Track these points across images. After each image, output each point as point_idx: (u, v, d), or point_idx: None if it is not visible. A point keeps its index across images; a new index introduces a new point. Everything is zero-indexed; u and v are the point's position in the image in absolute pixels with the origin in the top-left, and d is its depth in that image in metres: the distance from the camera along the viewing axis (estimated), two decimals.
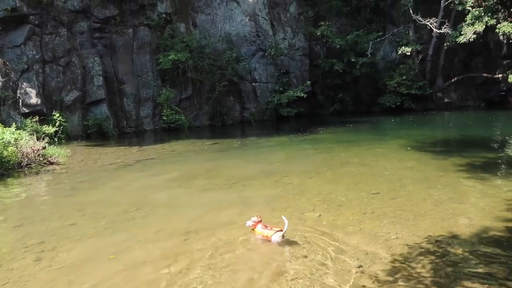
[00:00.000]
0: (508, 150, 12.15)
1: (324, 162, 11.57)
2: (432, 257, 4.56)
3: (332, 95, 31.88)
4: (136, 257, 5.03)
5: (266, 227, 5.52)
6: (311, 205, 6.96)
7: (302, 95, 28.31)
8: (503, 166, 9.74)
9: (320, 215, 6.37)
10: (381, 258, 4.62)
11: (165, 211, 7.16)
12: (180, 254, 5.07)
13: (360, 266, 4.45)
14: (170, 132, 23.78)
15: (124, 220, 6.76)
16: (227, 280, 4.30)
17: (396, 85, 28.42)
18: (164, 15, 25.49)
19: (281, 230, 5.33)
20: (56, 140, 20.30)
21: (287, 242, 5.30)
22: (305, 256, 4.80)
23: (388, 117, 25.32)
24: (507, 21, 23.94)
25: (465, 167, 9.40)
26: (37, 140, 13.98)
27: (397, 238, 5.23)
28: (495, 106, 26.93)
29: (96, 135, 22.38)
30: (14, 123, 15.54)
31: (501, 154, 11.21)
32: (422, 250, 4.78)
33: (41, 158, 12.83)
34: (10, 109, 20.53)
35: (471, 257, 4.52)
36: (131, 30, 24.68)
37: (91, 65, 23.23)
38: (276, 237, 5.30)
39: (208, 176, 10.23)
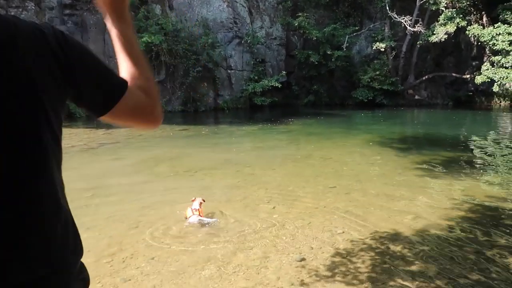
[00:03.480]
0: (467, 150, 12.56)
1: (289, 154, 11.66)
2: (373, 253, 4.69)
3: (307, 86, 32.08)
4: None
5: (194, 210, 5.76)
6: (267, 197, 7.02)
7: (276, 85, 28.31)
8: (459, 165, 10.06)
9: (274, 207, 6.44)
10: (323, 253, 4.72)
11: (120, 198, 7.07)
12: (127, 243, 5.04)
13: (302, 260, 4.53)
14: None
15: (75, 207, 6.48)
16: (169, 271, 4.30)
17: (369, 80, 28.79)
18: None
19: (199, 216, 5.68)
20: None
21: (237, 233, 5.35)
22: (251, 248, 4.86)
23: (360, 111, 25.69)
24: (478, 23, 24.65)
25: (423, 165, 9.67)
26: None
27: (343, 232, 5.35)
28: (462, 105, 27.73)
29: None
30: None
31: (460, 154, 11.56)
32: (365, 245, 4.91)
33: None
34: None
35: (408, 254, 4.67)
36: None
37: None
38: (193, 219, 5.66)
39: (170, 164, 10.15)
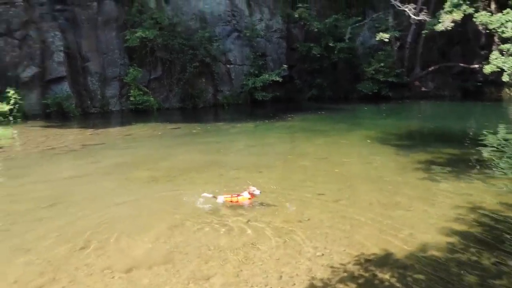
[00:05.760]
0: (476, 146, 11.51)
1: (281, 154, 10.83)
2: (354, 285, 3.85)
3: (309, 80, 31.04)
4: (10, 274, 4.21)
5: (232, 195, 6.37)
6: (245, 208, 6.19)
7: (277, 79, 27.38)
8: (467, 165, 9.12)
9: (248, 221, 5.62)
10: (294, 285, 3.90)
11: (80, 209, 6.28)
12: (64, 271, 4.26)
13: None
14: (137, 113, 22.68)
15: (28, 220, 5.89)
16: None
17: (373, 72, 27.71)
18: None
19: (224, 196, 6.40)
20: (12, 119, 19.08)
21: (197, 256, 4.54)
22: (207, 278, 4.05)
23: (364, 105, 24.71)
24: (486, 10, 23.42)
25: (425, 165, 8.77)
26: None
27: (322, 255, 4.51)
28: (471, 96, 26.53)
29: (56, 115, 21.10)
30: None
31: (467, 151, 10.62)
32: (346, 274, 4.08)
33: None
34: None
35: (398, 285, 3.82)
36: (95, 3, 23.19)
37: (51, 39, 21.77)
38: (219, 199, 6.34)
39: (151, 167, 9.37)
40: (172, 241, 5.00)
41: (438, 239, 4.85)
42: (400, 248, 4.64)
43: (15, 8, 20.49)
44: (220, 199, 6.33)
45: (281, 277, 4.05)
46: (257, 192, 6.26)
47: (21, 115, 19.86)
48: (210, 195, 6.39)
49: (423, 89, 28.85)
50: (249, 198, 6.30)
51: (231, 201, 6.31)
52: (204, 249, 4.74)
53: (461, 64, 27.32)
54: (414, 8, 24.65)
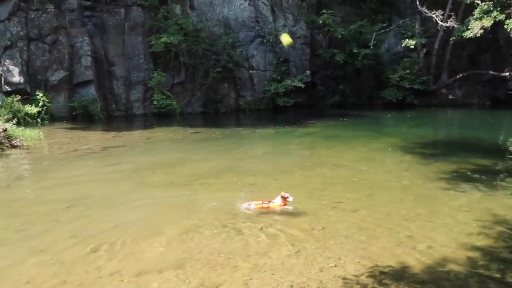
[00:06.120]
0: (504, 157, 11.00)
1: (300, 161, 10.70)
2: None
3: (332, 86, 30.72)
4: (23, 274, 4.27)
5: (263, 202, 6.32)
6: (259, 215, 6.12)
7: (299, 85, 27.24)
8: (493, 176, 8.74)
9: (261, 229, 5.53)
10: None
11: (95, 212, 6.34)
12: (76, 273, 4.29)
13: None
14: (160, 117, 22.99)
15: (45, 221, 5.98)
16: None
17: (398, 79, 27.19)
18: None
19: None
20: (40, 120, 19.67)
21: (207, 263, 4.49)
22: (216, 287, 3.98)
23: (387, 112, 24.24)
24: None
25: (447, 175, 8.47)
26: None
27: (336, 266, 4.38)
28: (501, 105, 25.62)
29: (82, 118, 21.64)
30: None
31: (492, 162, 10.18)
32: (359, 286, 3.93)
33: (2, 141, 12.09)
34: None
35: None
36: (123, 10, 23.77)
37: (79, 44, 22.39)
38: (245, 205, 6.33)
39: (168, 171, 9.43)
40: (184, 247, 4.97)
41: (459, 253, 4.63)
42: (418, 261, 4.45)
43: (47, 14, 21.18)
44: (251, 205, 6.33)
45: (292, 286, 3.95)
46: (290, 198, 6.20)
47: (49, 117, 20.46)
48: (246, 205, 6.36)
49: (451, 97, 28.08)
50: (281, 205, 6.24)
51: (261, 207, 6.27)
52: (215, 256, 4.68)
53: (491, 72, 26.47)
54: (442, 15, 23.98)
